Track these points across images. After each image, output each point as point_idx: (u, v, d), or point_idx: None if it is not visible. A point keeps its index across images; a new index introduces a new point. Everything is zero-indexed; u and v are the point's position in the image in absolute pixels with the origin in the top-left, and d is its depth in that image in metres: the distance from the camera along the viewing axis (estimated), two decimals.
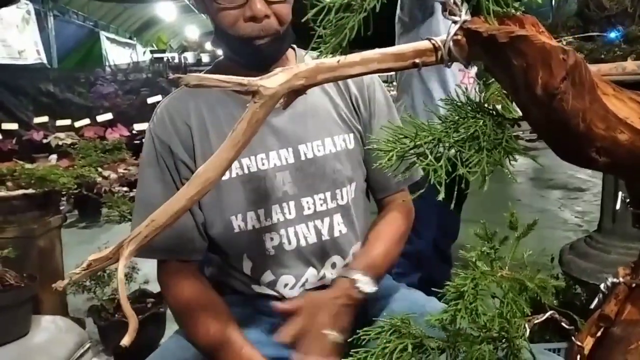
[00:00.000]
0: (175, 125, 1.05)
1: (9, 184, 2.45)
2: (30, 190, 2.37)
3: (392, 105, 1.21)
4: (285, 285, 1.08)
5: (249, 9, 0.96)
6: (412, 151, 0.47)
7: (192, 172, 1.03)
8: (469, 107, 0.52)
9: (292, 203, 1.07)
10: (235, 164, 1.04)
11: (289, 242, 1.07)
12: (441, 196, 0.44)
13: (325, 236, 1.09)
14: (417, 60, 0.45)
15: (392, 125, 0.47)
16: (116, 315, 2.32)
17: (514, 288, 0.47)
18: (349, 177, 1.11)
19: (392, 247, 1.13)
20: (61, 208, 2.76)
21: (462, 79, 2.04)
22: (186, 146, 1.05)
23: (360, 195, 1.16)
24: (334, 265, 1.11)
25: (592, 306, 0.59)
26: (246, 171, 1.05)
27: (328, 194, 1.09)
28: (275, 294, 1.09)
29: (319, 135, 1.09)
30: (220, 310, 1.03)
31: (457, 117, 0.50)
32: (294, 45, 1.15)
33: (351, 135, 1.12)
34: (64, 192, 2.57)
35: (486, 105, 0.55)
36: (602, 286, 0.59)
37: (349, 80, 1.15)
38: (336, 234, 1.10)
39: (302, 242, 1.08)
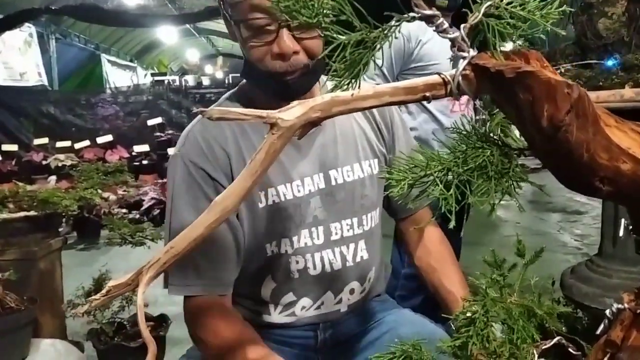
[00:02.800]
0: (212, 150, 1.01)
1: (11, 205, 2.46)
2: (32, 213, 2.37)
3: (406, 125, 1.24)
4: (303, 307, 1.09)
5: (276, 46, 0.93)
6: (423, 180, 0.49)
7: None
8: (476, 137, 0.53)
9: (321, 228, 1.07)
10: (272, 192, 1.02)
11: (314, 267, 1.07)
12: (452, 224, 0.45)
13: (350, 262, 1.10)
14: (427, 94, 0.47)
15: (404, 155, 0.49)
16: (115, 339, 2.30)
17: (523, 314, 0.48)
18: (374, 202, 1.13)
19: (458, 266, 1.20)
20: (60, 230, 2.76)
21: (452, 108, 2.07)
22: (225, 173, 1.01)
23: (379, 220, 1.18)
24: (352, 291, 1.12)
25: (598, 332, 0.60)
26: (282, 199, 1.03)
27: (355, 220, 1.10)
28: (285, 321, 1.09)
29: (349, 161, 1.10)
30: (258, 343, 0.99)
31: (465, 147, 0.51)
32: None
33: (376, 160, 1.14)
34: (64, 214, 2.57)
35: (492, 134, 0.57)
36: (607, 312, 0.59)
37: None
38: (358, 259, 1.11)
39: (328, 268, 1.08)
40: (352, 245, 1.10)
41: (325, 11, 0.43)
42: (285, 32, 0.93)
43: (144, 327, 0.43)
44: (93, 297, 0.45)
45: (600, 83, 1.31)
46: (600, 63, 1.43)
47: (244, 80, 1.10)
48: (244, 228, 1.03)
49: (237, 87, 1.12)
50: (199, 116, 1.07)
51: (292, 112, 0.44)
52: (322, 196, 1.06)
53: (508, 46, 0.55)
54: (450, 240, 1.26)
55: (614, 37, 1.43)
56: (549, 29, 0.51)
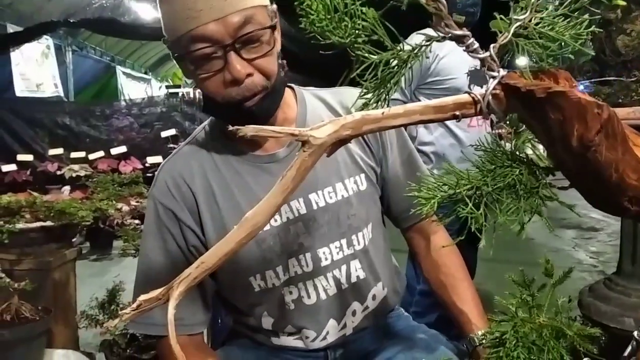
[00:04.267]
0: (179, 190, 1.01)
1: (27, 216, 2.49)
2: (48, 223, 2.40)
3: (402, 130, 1.15)
4: (307, 337, 1.07)
5: (228, 73, 0.89)
6: (451, 198, 0.49)
7: (199, 239, 1.01)
8: (504, 156, 0.53)
9: (308, 255, 1.03)
10: None
11: (309, 297, 1.05)
12: (482, 243, 0.45)
13: (345, 284, 1.06)
14: (457, 113, 0.48)
15: (432, 175, 0.49)
16: (128, 351, 2.30)
17: (552, 335, 0.47)
18: (364, 219, 1.08)
19: (470, 281, 1.15)
20: (73, 240, 2.78)
21: (470, 122, 2.06)
22: (191, 211, 1.01)
23: (378, 234, 1.13)
24: (354, 313, 1.09)
25: (626, 354, 0.59)
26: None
27: (344, 241, 1.06)
28: (294, 345, 1.08)
29: (330, 182, 1.04)
30: None
31: (493, 166, 0.51)
32: (293, 85, 1.11)
33: (362, 175, 1.08)
34: (80, 225, 2.59)
35: (518, 153, 0.57)
36: (635, 334, 0.59)
37: (354, 109, 1.11)
38: (354, 279, 1.07)
39: (322, 296, 1.05)
40: (344, 267, 1.06)
41: (357, 32, 0.44)
42: (233, 56, 0.88)
43: (174, 342, 0.44)
44: (124, 311, 0.45)
45: (620, 100, 1.31)
46: (619, 80, 1.43)
47: None
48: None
49: (210, 118, 1.09)
50: (173, 152, 1.08)
51: (324, 130, 0.44)
52: (304, 222, 1.02)
53: (521, 60, 0.55)
54: (466, 255, 1.24)
55: (632, 54, 1.42)
56: (577, 48, 0.51)
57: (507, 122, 0.59)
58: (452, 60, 1.98)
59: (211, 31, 0.87)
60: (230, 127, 0.42)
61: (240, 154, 1.03)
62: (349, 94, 1.11)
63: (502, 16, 0.51)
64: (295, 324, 1.06)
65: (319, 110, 1.09)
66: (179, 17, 0.88)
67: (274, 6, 0.94)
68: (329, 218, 1.04)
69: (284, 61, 0.99)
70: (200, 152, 1.04)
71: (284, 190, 0.45)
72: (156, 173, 1.06)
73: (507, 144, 0.58)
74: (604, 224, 5.53)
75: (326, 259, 1.04)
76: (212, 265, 0.45)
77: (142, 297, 0.45)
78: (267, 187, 1.03)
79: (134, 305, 0.45)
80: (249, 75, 0.90)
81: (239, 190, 1.01)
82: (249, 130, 0.41)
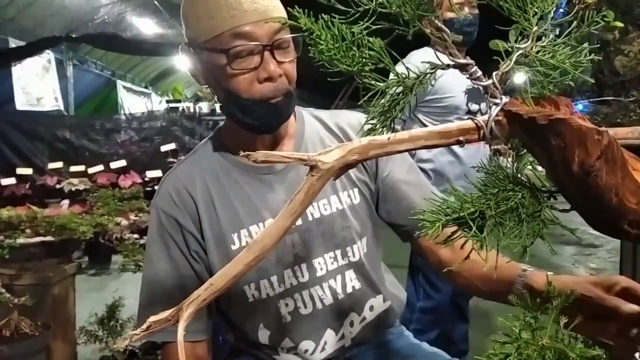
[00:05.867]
0: (181, 197, 1.05)
1: (28, 230, 2.49)
2: (49, 238, 2.40)
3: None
4: (306, 351, 1.07)
5: (263, 71, 0.96)
6: (455, 221, 0.49)
7: (200, 246, 1.04)
8: (507, 180, 0.55)
9: (304, 266, 1.06)
10: (244, 233, 1.04)
11: (305, 306, 1.06)
12: (485, 268, 0.46)
13: (340, 294, 1.08)
14: (461, 138, 0.49)
15: (436, 197, 0.50)
16: None
17: (555, 357, 0.48)
18: (358, 232, 1.10)
19: None
20: (72, 255, 2.78)
21: None
22: (193, 219, 1.05)
23: (373, 249, 1.15)
24: (352, 324, 1.10)
25: None
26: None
27: (338, 252, 1.08)
28: (297, 358, 1.08)
29: (324, 194, 1.08)
30: None
31: (495, 190, 0.52)
32: None
33: (355, 190, 1.11)
34: (81, 240, 2.59)
35: (519, 175, 0.58)
36: (637, 355, 0.60)
37: (349, 130, 1.14)
38: (349, 290, 1.09)
39: (319, 305, 1.07)
40: (339, 277, 1.08)
41: (364, 60, 0.45)
42: (269, 56, 0.96)
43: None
44: (133, 332, 0.46)
45: (619, 119, 1.32)
46: (617, 100, 1.45)
47: (219, 126, 1.14)
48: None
49: (214, 132, 1.14)
50: (176, 164, 1.13)
51: (331, 155, 0.45)
52: (300, 233, 1.05)
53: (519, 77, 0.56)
54: None
55: (630, 74, 1.44)
56: (577, 76, 0.53)
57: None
58: (450, 78, 2.01)
59: (253, 30, 0.95)
60: (242, 153, 0.43)
61: (240, 165, 1.08)
62: (343, 116, 1.17)
63: (502, 42, 0.53)
64: (293, 338, 1.07)
65: (316, 128, 1.15)
66: (222, 16, 0.94)
67: None
68: (324, 229, 1.07)
69: None
70: (202, 163, 1.09)
71: (292, 214, 0.46)
72: (160, 183, 1.10)
73: (505, 160, 0.59)
74: (603, 240, 5.53)
75: (321, 269, 1.07)
76: (221, 287, 0.46)
77: (152, 319, 0.46)
78: (264, 197, 1.06)
79: (144, 327, 0.46)
80: (280, 75, 0.98)
81: (237, 199, 1.05)
82: (260, 155, 0.42)
